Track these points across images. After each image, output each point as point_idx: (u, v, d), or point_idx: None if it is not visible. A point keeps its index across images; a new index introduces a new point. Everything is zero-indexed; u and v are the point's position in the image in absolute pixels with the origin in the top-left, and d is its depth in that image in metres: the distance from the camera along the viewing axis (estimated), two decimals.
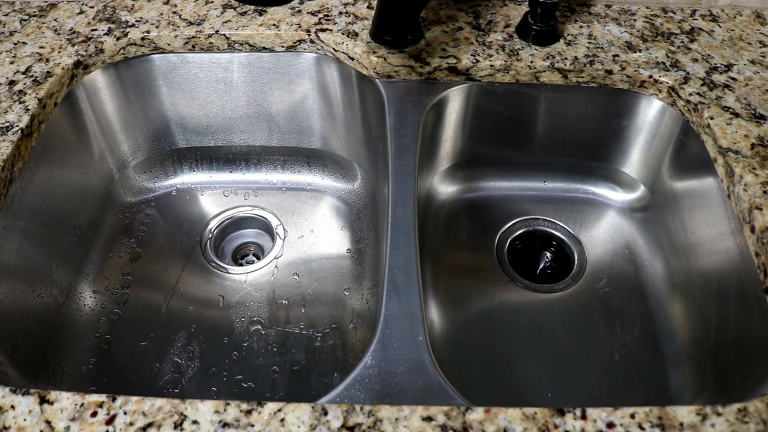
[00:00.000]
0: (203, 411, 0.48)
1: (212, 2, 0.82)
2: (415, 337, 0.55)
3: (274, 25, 0.78)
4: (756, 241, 0.59)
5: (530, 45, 0.76)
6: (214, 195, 0.91)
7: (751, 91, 0.71)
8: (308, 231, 0.88)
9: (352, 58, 0.77)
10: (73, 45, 0.77)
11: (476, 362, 0.74)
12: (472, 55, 0.75)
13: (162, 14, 0.81)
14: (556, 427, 0.47)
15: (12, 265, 0.67)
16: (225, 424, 0.48)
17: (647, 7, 0.82)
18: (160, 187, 0.91)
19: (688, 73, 0.73)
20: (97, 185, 0.84)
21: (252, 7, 0.81)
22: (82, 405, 0.49)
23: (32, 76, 0.73)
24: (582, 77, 0.75)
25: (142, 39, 0.78)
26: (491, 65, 0.74)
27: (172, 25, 0.79)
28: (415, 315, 0.57)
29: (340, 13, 0.80)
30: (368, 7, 0.81)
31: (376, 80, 0.76)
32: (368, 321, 0.77)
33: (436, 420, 0.48)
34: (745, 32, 0.79)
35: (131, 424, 0.48)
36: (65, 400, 0.49)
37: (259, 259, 0.87)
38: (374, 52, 0.75)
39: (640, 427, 0.47)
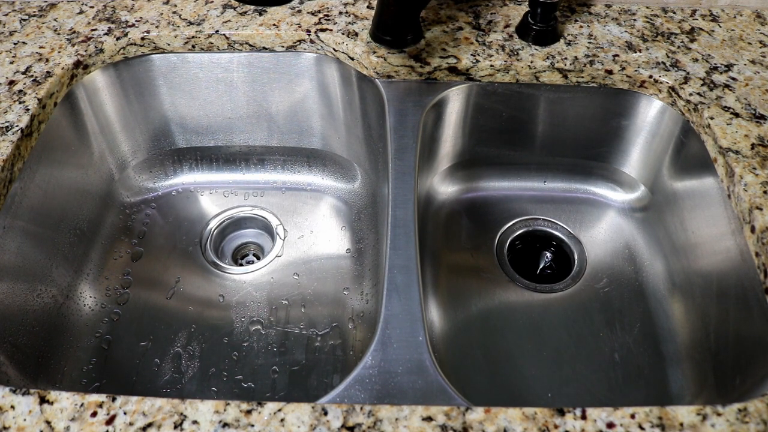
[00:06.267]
0: (203, 411, 0.48)
1: (212, 2, 0.82)
2: (415, 337, 0.55)
3: (274, 25, 0.78)
4: (756, 241, 0.59)
5: (530, 45, 0.76)
6: (214, 195, 0.91)
7: (751, 91, 0.71)
8: (308, 231, 0.88)
9: (352, 58, 0.77)
10: (73, 45, 0.77)
11: (476, 362, 0.74)
12: (472, 55, 0.75)
13: (162, 14, 0.81)
14: (556, 427, 0.47)
15: (12, 265, 0.67)
16: (225, 424, 0.48)
17: (647, 7, 0.82)
18: (160, 187, 0.91)
19: (688, 73, 0.73)
20: (97, 185, 0.84)
21: (252, 7, 0.81)
22: (82, 405, 0.49)
23: (32, 76, 0.73)
24: (582, 77, 0.75)
25: (142, 39, 0.78)
26: (491, 65, 0.74)
27: (172, 25, 0.79)
28: (415, 315, 0.57)
29: (340, 13, 0.80)
30: (368, 7, 0.81)
31: (376, 80, 0.76)
32: (368, 321, 0.77)
33: (436, 420, 0.48)
34: (745, 32, 0.79)
35: (131, 424, 0.48)
36: (65, 400, 0.49)
37: (259, 259, 0.87)
38: (374, 52, 0.75)
39: (640, 427, 0.47)
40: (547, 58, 0.75)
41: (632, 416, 0.48)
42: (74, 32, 0.79)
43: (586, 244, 0.84)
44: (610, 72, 0.74)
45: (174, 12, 0.81)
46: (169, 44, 0.79)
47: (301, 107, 0.86)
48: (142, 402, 0.49)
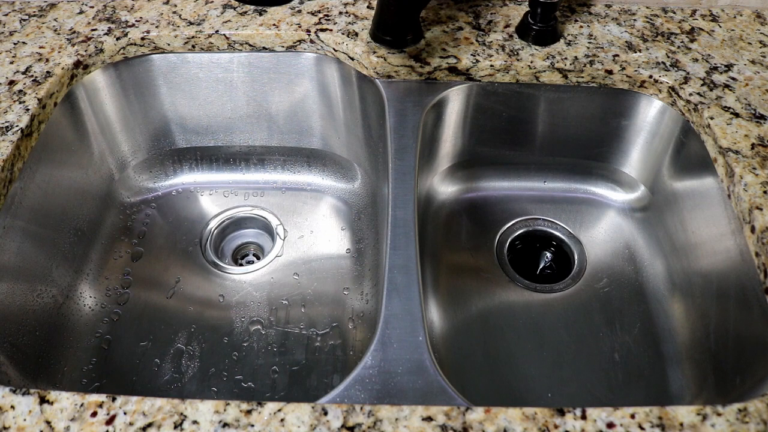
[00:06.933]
0: (203, 411, 0.48)
1: (212, 2, 0.82)
2: (415, 337, 0.55)
3: (274, 25, 0.78)
4: (756, 241, 0.59)
5: (530, 45, 0.76)
6: (214, 195, 0.91)
7: (751, 91, 0.71)
8: (308, 231, 0.88)
9: (352, 58, 0.77)
10: (73, 45, 0.77)
11: (476, 362, 0.74)
12: (472, 55, 0.75)
13: (162, 14, 0.81)
14: (556, 427, 0.47)
15: (12, 265, 0.67)
16: (225, 424, 0.48)
17: (647, 7, 0.82)
18: (160, 187, 0.91)
19: (688, 73, 0.73)
20: (97, 185, 0.84)
21: (252, 7, 0.81)
22: (82, 405, 0.49)
23: (32, 76, 0.73)
24: (582, 77, 0.75)
25: (142, 39, 0.78)
26: (491, 65, 0.74)
27: (172, 25, 0.79)
28: (415, 315, 0.57)
29: (340, 13, 0.80)
30: (368, 7, 0.81)
31: (376, 80, 0.76)
32: (368, 321, 0.77)
33: (436, 420, 0.48)
34: (745, 32, 0.79)
35: (131, 424, 0.48)
36: (65, 400, 0.49)
37: (259, 259, 0.87)
38: (374, 52, 0.75)
39: (640, 427, 0.47)
40: (547, 58, 0.75)
41: (632, 416, 0.48)
42: (74, 32, 0.79)
43: (586, 244, 0.84)
44: (610, 72, 0.74)
45: (174, 12, 0.81)
46: (169, 44, 0.79)
47: (301, 107, 0.86)
48: (142, 402, 0.49)
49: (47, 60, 0.75)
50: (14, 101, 0.70)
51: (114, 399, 0.49)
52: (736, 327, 0.63)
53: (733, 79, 0.72)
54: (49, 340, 0.71)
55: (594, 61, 0.74)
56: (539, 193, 0.89)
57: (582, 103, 0.78)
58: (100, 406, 0.49)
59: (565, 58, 0.75)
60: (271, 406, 0.49)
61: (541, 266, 0.84)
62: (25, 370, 0.67)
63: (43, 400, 0.49)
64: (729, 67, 0.74)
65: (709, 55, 0.76)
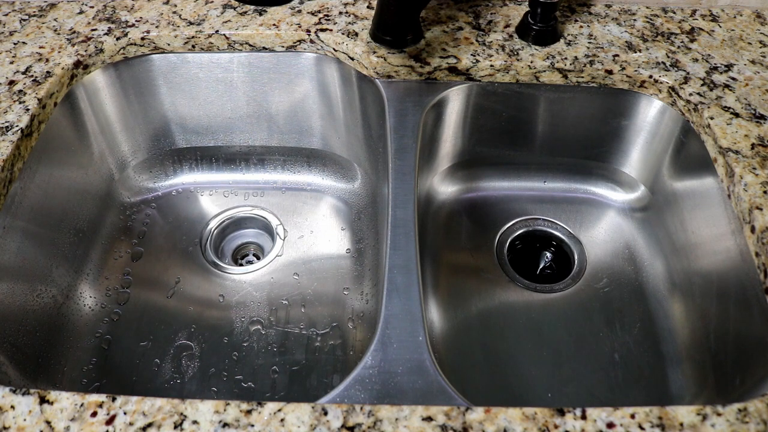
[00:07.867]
0: (203, 411, 0.48)
1: (212, 2, 0.82)
2: (415, 337, 0.55)
3: (274, 25, 0.78)
4: (756, 241, 0.59)
5: (530, 45, 0.76)
6: (214, 195, 0.91)
7: (751, 91, 0.71)
8: (308, 231, 0.88)
9: (352, 58, 0.77)
10: (73, 45, 0.77)
11: (476, 362, 0.74)
12: (472, 55, 0.75)
13: (162, 14, 0.81)
14: (556, 427, 0.47)
15: (12, 265, 0.67)
16: (225, 424, 0.48)
17: (647, 7, 0.82)
18: (160, 187, 0.91)
19: (688, 73, 0.73)
20: (97, 185, 0.84)
21: (252, 7, 0.81)
22: (82, 405, 0.49)
23: (32, 76, 0.73)
24: (582, 77, 0.75)
25: (142, 39, 0.78)
26: (491, 65, 0.74)
27: (172, 25, 0.79)
28: (415, 315, 0.57)
29: (340, 13, 0.80)
30: (368, 7, 0.81)
31: (376, 80, 0.76)
32: (368, 321, 0.77)
33: (436, 420, 0.48)
34: (745, 32, 0.79)
35: (131, 424, 0.48)
36: (65, 400, 0.49)
37: (259, 259, 0.87)
38: (374, 52, 0.75)
39: (640, 427, 0.47)
40: (547, 58, 0.75)
41: (632, 416, 0.48)
42: (74, 32, 0.79)
43: (586, 244, 0.84)
44: (610, 72, 0.74)
45: (174, 12, 0.81)
46: (169, 44, 0.79)
47: (301, 107, 0.86)
48: (142, 402, 0.49)
49: (47, 60, 0.75)
50: (14, 101, 0.70)
51: (114, 399, 0.49)
52: (736, 327, 0.63)
53: (733, 79, 0.72)
54: (49, 340, 0.71)
55: (594, 61, 0.74)
56: (539, 193, 0.89)
57: (582, 103, 0.78)
58: (100, 406, 0.49)
59: (565, 58, 0.75)
60: (271, 406, 0.49)
61: (541, 266, 0.84)
62: (25, 370, 0.67)
63: (43, 400, 0.49)
64: (729, 67, 0.74)
65: (709, 55, 0.76)
